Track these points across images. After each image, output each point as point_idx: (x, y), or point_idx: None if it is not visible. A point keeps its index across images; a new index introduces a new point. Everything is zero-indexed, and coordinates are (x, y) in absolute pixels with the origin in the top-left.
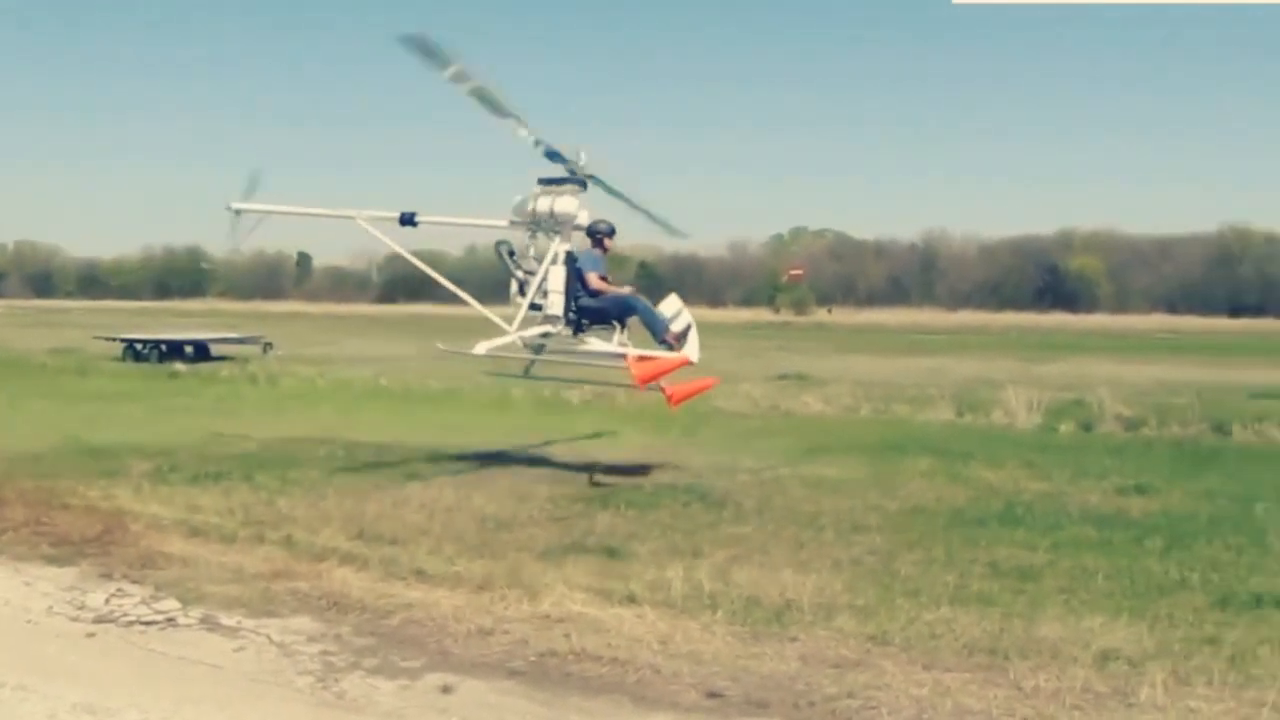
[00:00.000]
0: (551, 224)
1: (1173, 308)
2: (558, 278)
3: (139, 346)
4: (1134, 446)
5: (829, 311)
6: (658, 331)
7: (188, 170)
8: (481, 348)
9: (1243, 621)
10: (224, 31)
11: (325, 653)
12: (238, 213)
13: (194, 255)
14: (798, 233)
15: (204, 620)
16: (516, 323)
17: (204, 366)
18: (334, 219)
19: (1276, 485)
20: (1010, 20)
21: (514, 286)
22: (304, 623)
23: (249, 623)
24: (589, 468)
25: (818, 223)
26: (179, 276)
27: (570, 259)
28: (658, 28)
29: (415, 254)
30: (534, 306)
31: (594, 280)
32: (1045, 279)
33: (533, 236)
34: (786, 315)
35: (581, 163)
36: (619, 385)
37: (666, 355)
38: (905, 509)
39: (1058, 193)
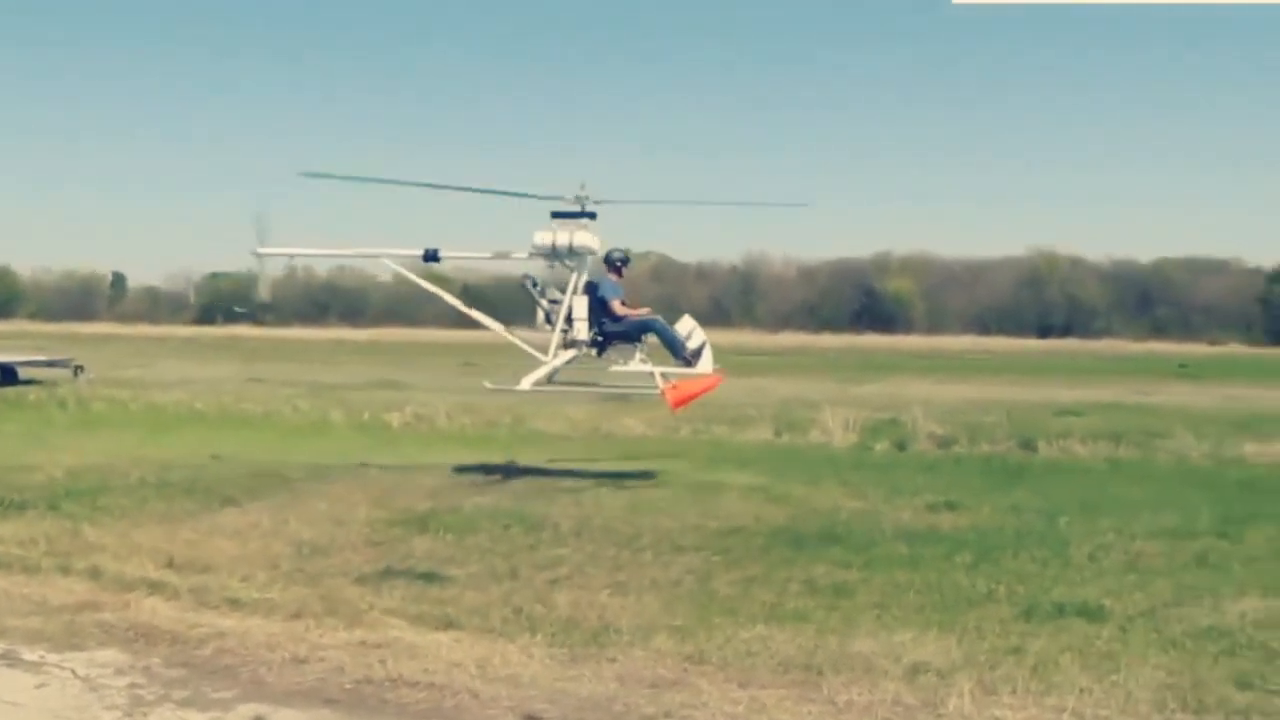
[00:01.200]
0: (570, 256)
1: (984, 329)
2: (581, 306)
3: None
4: (945, 464)
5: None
6: (676, 350)
7: None
8: (526, 383)
9: (1045, 631)
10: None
11: (133, 686)
12: (260, 257)
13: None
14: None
15: (4, 656)
16: (552, 351)
17: (10, 391)
18: (362, 258)
19: (1079, 499)
20: (825, 42)
21: (540, 315)
22: (111, 655)
23: (52, 657)
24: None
25: (641, 244)
26: None
27: (591, 288)
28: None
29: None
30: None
31: (617, 306)
32: (863, 301)
33: (551, 267)
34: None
35: (588, 195)
36: (637, 391)
37: (695, 378)
38: (724, 529)
39: (875, 216)
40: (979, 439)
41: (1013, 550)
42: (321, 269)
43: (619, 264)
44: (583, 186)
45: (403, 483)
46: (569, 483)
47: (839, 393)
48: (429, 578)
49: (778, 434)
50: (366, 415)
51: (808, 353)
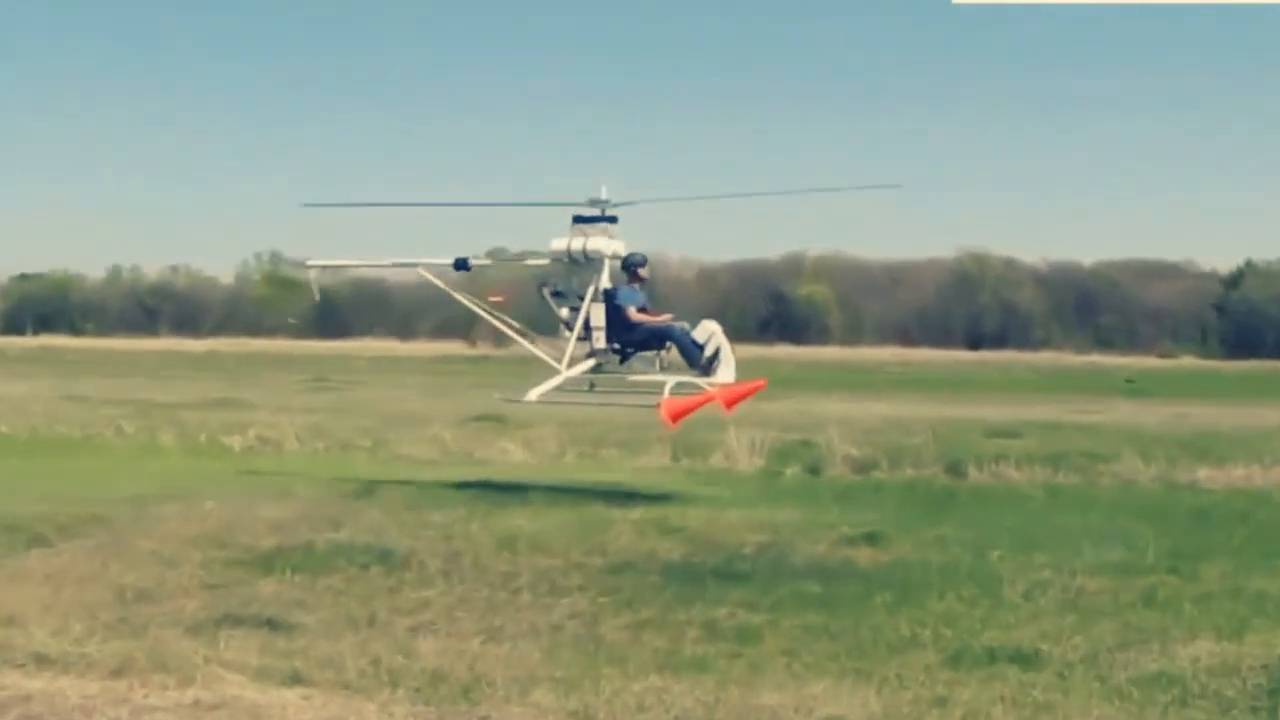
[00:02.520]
0: (587, 262)
1: (908, 338)
2: (599, 314)
3: None
4: (864, 491)
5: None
6: (692, 358)
7: None
8: (534, 394)
9: (975, 679)
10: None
11: None
12: (311, 269)
13: None
14: (500, 255)
15: None
16: (565, 361)
17: None
18: (402, 267)
19: (1012, 530)
20: (728, 38)
21: (561, 324)
22: None
23: None
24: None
25: (525, 243)
26: None
27: (609, 295)
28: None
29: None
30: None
31: (632, 313)
32: (771, 307)
33: (572, 273)
34: (485, 348)
35: (607, 198)
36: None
37: (695, 394)
38: (613, 566)
39: (786, 212)
40: (901, 463)
41: (939, 589)
42: (151, 272)
43: (636, 268)
44: (601, 190)
45: (244, 516)
46: (437, 515)
47: (745, 411)
48: (274, 625)
49: (675, 458)
50: (203, 438)
51: None
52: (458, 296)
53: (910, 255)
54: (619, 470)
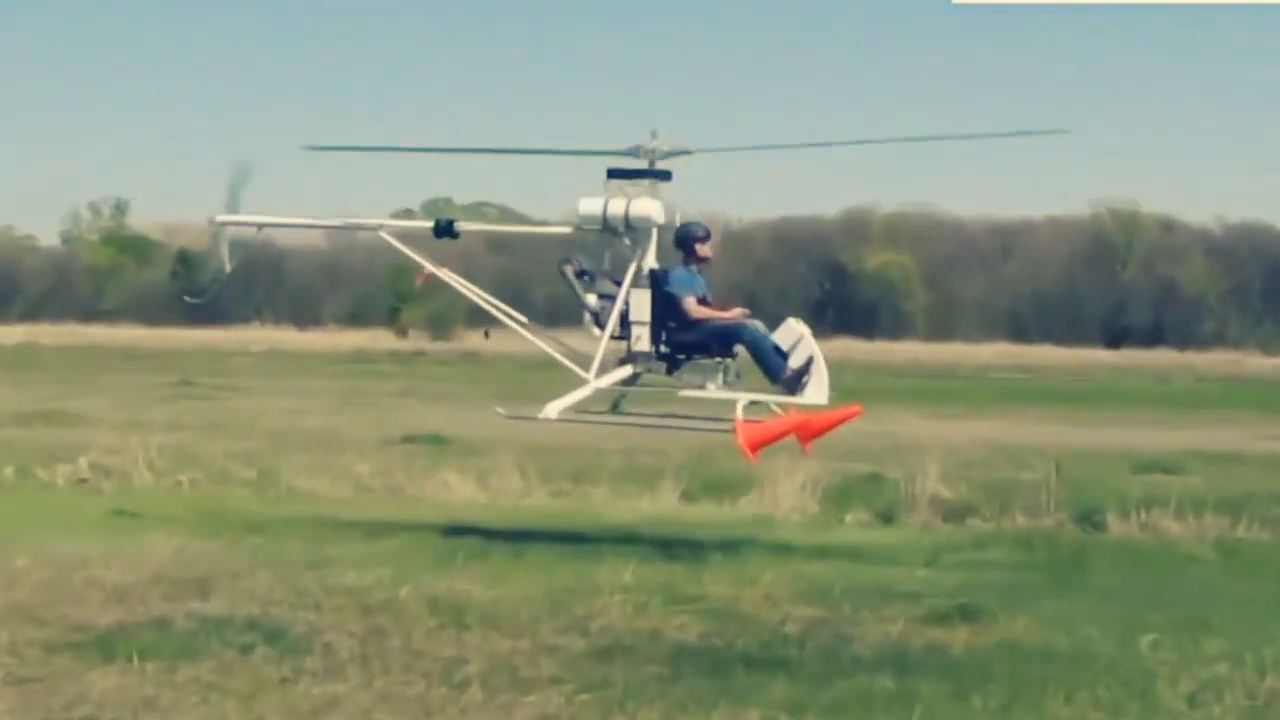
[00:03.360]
0: (628, 231)
1: (1020, 330)
2: (642, 304)
3: None
4: (957, 546)
5: (486, 335)
6: (773, 369)
7: None
8: (553, 410)
9: None
10: None
11: None
12: (220, 226)
13: None
14: (435, 208)
15: None
16: (595, 366)
17: None
18: (347, 230)
19: (1171, 605)
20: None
21: (588, 315)
22: None
23: None
24: None
25: (472, 193)
26: None
27: (657, 279)
28: None
29: None
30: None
31: (691, 305)
32: (826, 285)
33: (607, 246)
34: (418, 340)
35: (657, 148)
36: (715, 430)
37: (780, 420)
38: (599, 650)
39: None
40: (1011, 508)
41: (1065, 688)
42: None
43: (695, 243)
44: (654, 135)
45: (72, 580)
46: (350, 577)
47: None
48: None
49: (690, 498)
50: (10, 470)
51: None
52: (445, 275)
53: (1025, 213)
54: (609, 514)
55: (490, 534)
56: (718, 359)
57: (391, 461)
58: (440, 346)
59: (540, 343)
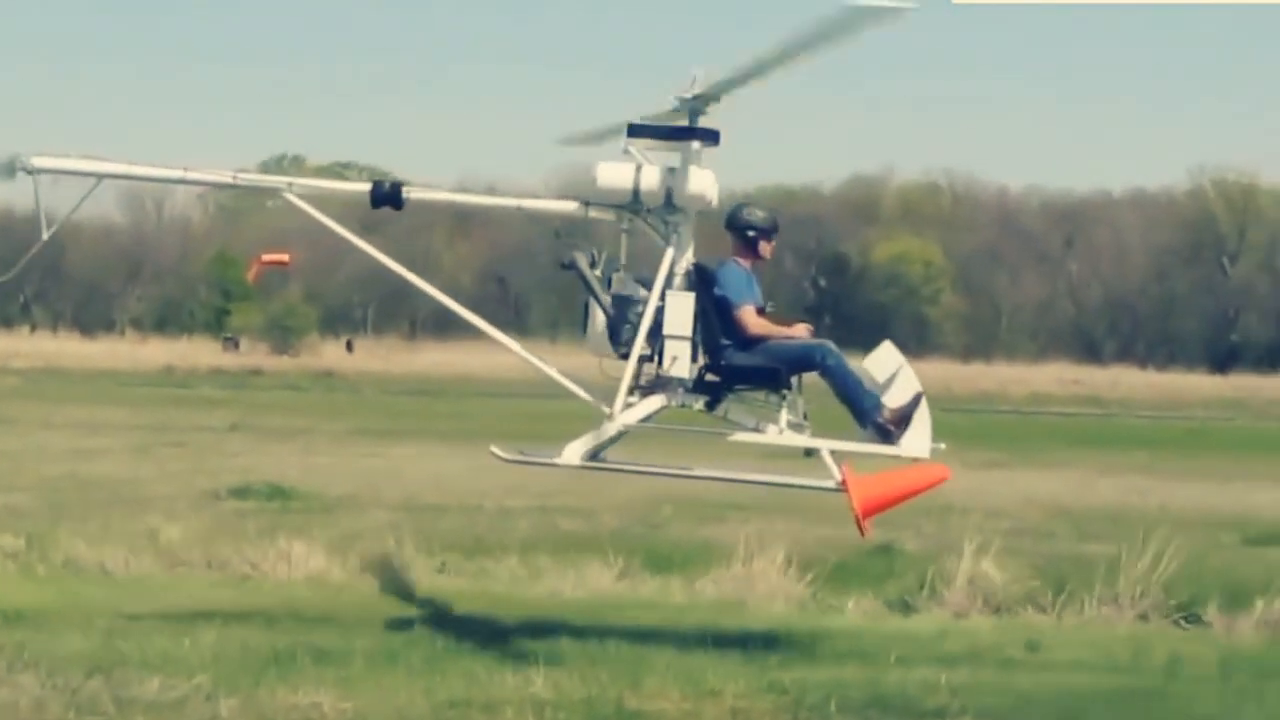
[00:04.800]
0: (666, 212)
1: (1089, 348)
2: (682, 312)
3: None
4: (1004, 647)
5: (349, 349)
6: (864, 408)
7: None
8: (573, 454)
9: None
10: None
11: None
12: (33, 174)
13: None
14: (278, 168)
15: None
16: (620, 396)
17: None
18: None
19: None
20: None
21: (598, 323)
22: None
23: None
24: None
25: (329, 151)
26: None
27: (703, 277)
28: None
29: None
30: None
31: (750, 318)
32: (821, 280)
33: (628, 230)
34: (253, 354)
35: (701, 94)
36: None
37: (902, 468)
38: None
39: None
40: (1081, 592)
41: None
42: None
43: (758, 235)
44: (694, 82)
45: None
46: (152, 686)
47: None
48: None
49: (628, 576)
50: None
51: None
52: (367, 248)
53: (1096, 186)
54: (516, 598)
55: (349, 625)
56: (780, 390)
57: (214, 523)
58: (284, 363)
59: (544, 368)
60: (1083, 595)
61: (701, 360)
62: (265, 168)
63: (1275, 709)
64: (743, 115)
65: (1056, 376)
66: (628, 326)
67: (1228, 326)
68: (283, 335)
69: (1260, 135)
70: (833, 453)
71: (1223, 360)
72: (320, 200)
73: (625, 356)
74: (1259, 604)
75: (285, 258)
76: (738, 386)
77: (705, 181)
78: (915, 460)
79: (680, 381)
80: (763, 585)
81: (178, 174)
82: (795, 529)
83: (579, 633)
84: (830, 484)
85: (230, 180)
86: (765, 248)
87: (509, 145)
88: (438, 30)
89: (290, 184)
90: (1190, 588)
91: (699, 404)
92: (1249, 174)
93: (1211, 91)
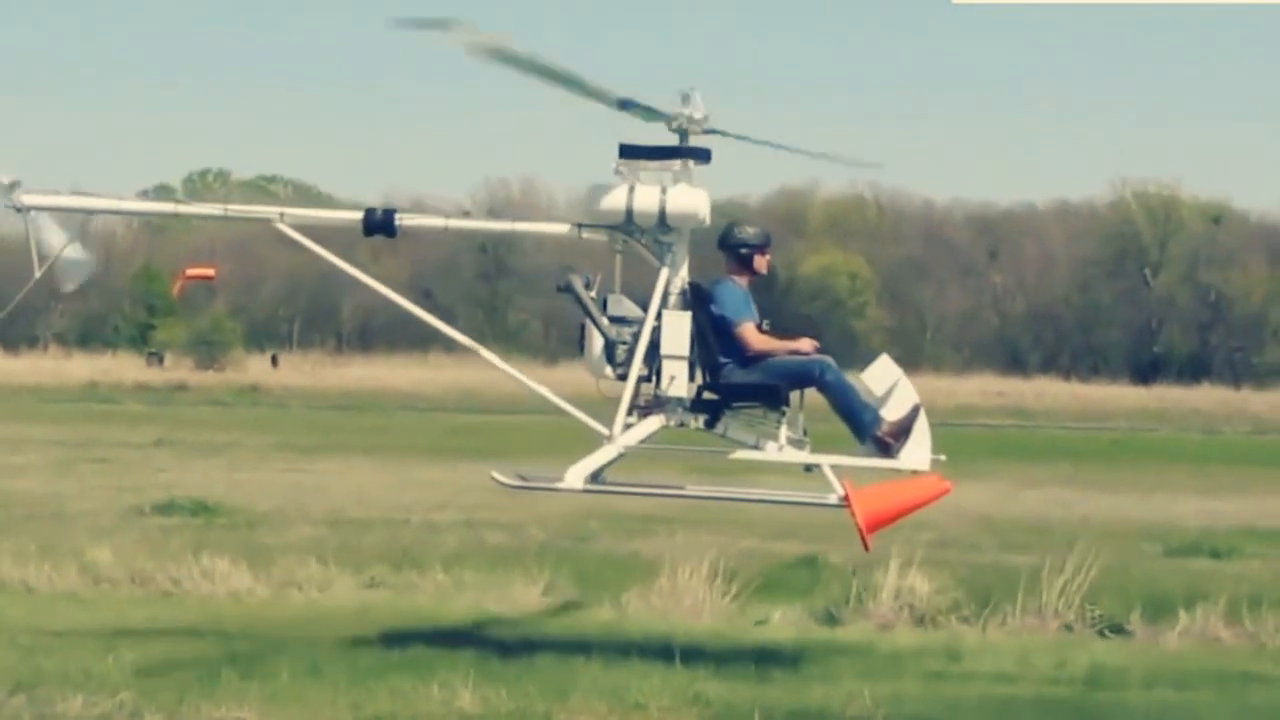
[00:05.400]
0: (660, 231)
1: (1014, 360)
2: (679, 331)
3: None
4: (924, 658)
5: (274, 364)
6: (863, 423)
7: None
8: (575, 476)
9: None
10: None
11: None
12: (23, 211)
13: None
14: (203, 183)
15: None
16: (619, 418)
17: None
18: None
19: None
20: None
21: (595, 344)
22: None
23: None
24: None
25: (253, 165)
26: None
27: (700, 296)
28: None
29: None
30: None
31: (750, 335)
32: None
33: (621, 251)
34: (178, 369)
35: (695, 115)
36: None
37: (901, 481)
38: None
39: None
40: (1005, 603)
41: None
42: None
43: (751, 251)
44: (686, 98)
45: None
46: (75, 705)
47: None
48: None
49: (554, 592)
50: None
51: None
52: (364, 278)
53: (1020, 199)
54: (442, 614)
55: (276, 641)
56: (778, 407)
57: (137, 540)
58: (209, 378)
59: (537, 387)
60: (1007, 606)
61: (700, 379)
62: (190, 182)
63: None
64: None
65: (981, 388)
66: (624, 347)
67: (1150, 338)
68: (208, 350)
69: (1181, 148)
70: (833, 468)
71: (1145, 371)
72: (317, 229)
73: (623, 378)
74: (1182, 614)
75: (210, 272)
76: (736, 404)
77: (699, 200)
78: (915, 472)
79: (679, 401)
80: (689, 598)
81: (170, 208)
82: (722, 541)
83: (505, 647)
84: (832, 499)
85: (221, 212)
86: (760, 262)
87: (435, 161)
88: (365, 46)
89: (282, 214)
90: (1114, 598)
91: (698, 423)
92: (1170, 186)
93: (1133, 103)
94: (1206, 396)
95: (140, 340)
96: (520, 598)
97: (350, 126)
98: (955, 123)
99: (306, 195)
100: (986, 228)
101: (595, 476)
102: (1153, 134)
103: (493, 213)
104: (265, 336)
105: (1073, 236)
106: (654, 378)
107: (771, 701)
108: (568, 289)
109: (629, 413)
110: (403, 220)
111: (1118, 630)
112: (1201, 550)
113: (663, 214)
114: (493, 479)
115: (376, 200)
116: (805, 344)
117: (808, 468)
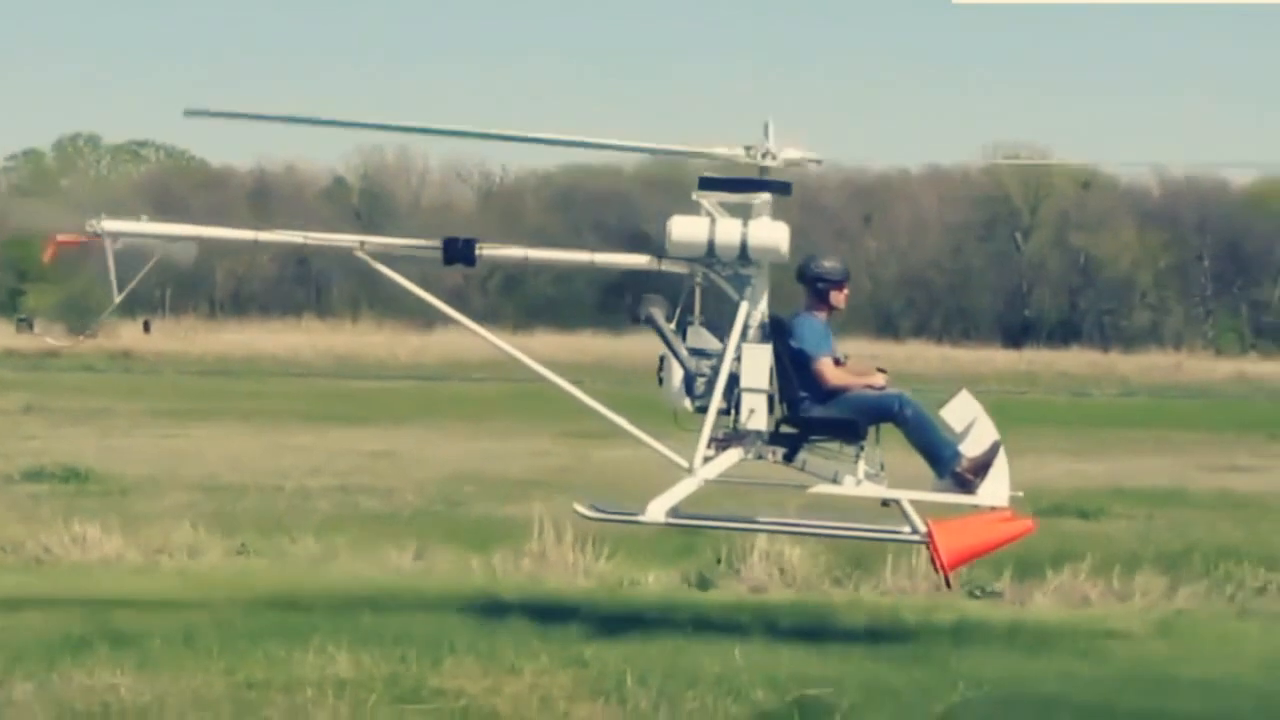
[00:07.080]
0: (740, 264)
1: (885, 324)
2: (759, 364)
3: None
4: (799, 619)
5: (146, 329)
6: (944, 458)
7: None
8: (658, 509)
9: None
10: None
11: None
12: (109, 238)
13: None
14: (73, 146)
15: None
16: (700, 451)
17: None
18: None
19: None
20: None
21: (675, 376)
22: None
23: None
24: None
25: (124, 130)
26: None
27: (779, 330)
28: None
29: None
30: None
31: (829, 370)
32: (621, 244)
33: (700, 284)
34: (49, 336)
35: (773, 150)
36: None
37: (981, 517)
38: None
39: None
40: (878, 567)
41: None
42: None
43: (828, 286)
44: (766, 131)
45: None
46: None
47: (573, 454)
48: None
49: (426, 556)
50: None
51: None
52: (451, 313)
53: (892, 164)
54: (316, 578)
55: (147, 606)
56: (857, 441)
57: (8, 508)
58: (78, 343)
59: (615, 417)
60: (880, 570)
61: (778, 412)
62: (59, 146)
63: (1057, 666)
64: (548, 103)
65: (855, 352)
66: (703, 380)
67: (1021, 301)
68: (79, 317)
69: (1052, 112)
70: (886, 501)
71: (1016, 335)
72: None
73: (702, 410)
74: (1050, 574)
75: (82, 238)
76: (814, 438)
77: (780, 235)
78: (994, 509)
79: (758, 434)
80: (562, 562)
81: (250, 235)
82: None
83: (380, 612)
84: (910, 533)
85: (302, 240)
86: (837, 297)
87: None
88: (239, 9)
89: (362, 243)
90: (983, 559)
91: (776, 456)
92: (1041, 151)
93: (1005, 69)
94: (1076, 359)
95: (10, 306)
96: (394, 563)
97: (224, 91)
98: (829, 89)
99: (179, 161)
100: (861, 192)
101: (676, 510)
102: (1024, 99)
103: (367, 177)
104: (137, 303)
105: (945, 202)
106: (732, 411)
107: (647, 663)
108: (649, 321)
109: (712, 446)
110: (483, 250)
111: (988, 593)
112: (1070, 511)
113: (744, 247)
114: (575, 512)
115: (248, 167)
116: (879, 378)
117: (885, 502)
